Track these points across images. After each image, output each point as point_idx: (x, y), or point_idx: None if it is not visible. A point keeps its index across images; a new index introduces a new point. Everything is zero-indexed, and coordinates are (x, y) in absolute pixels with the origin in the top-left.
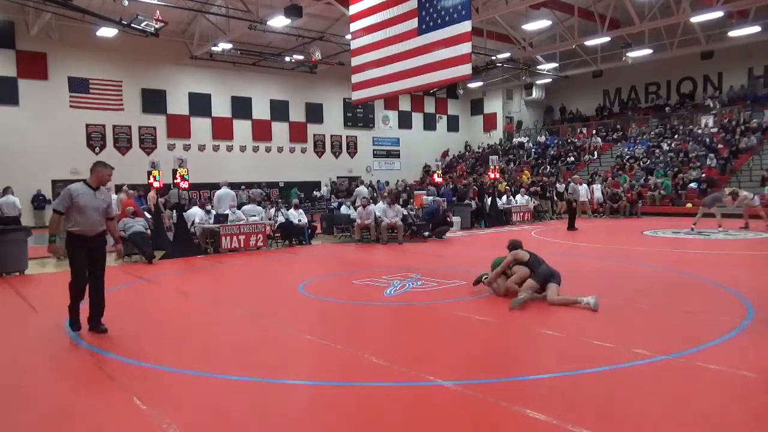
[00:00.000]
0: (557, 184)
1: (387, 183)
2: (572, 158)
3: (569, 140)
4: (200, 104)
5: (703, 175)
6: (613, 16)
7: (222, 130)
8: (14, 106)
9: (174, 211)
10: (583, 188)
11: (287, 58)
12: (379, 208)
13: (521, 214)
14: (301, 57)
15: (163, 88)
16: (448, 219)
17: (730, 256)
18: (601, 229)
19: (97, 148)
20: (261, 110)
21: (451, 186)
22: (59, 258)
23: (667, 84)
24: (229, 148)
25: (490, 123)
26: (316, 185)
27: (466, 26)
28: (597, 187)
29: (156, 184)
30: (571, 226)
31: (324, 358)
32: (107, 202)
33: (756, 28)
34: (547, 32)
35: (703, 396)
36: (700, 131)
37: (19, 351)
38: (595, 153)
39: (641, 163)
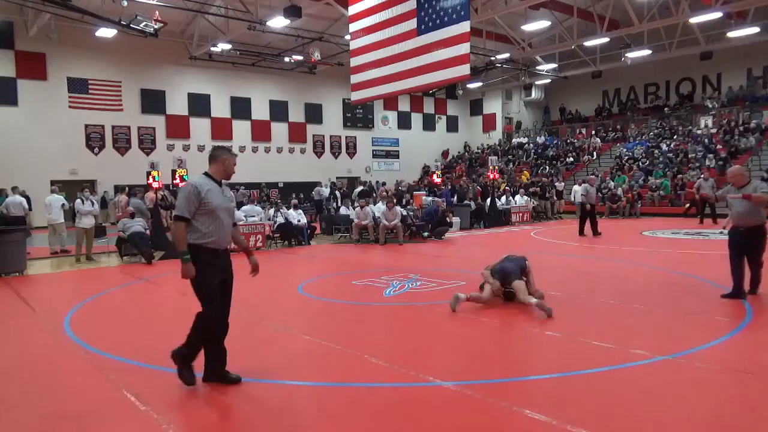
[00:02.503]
0: (556, 184)
1: (384, 184)
2: (571, 159)
3: (568, 141)
4: (199, 105)
5: (702, 175)
6: (612, 17)
7: (221, 130)
8: (13, 107)
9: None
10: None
11: (286, 59)
12: (378, 209)
13: (520, 214)
14: (300, 57)
15: (162, 88)
16: (448, 219)
17: (729, 257)
18: (600, 229)
19: (96, 148)
20: (260, 111)
21: (449, 186)
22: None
23: (666, 84)
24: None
25: (489, 123)
26: (316, 186)
27: (464, 27)
28: None
29: (155, 185)
30: (582, 231)
31: (323, 359)
32: (233, 201)
33: (755, 29)
34: (547, 33)
35: (703, 396)
36: (699, 132)
37: (18, 351)
38: (594, 153)
39: (640, 164)
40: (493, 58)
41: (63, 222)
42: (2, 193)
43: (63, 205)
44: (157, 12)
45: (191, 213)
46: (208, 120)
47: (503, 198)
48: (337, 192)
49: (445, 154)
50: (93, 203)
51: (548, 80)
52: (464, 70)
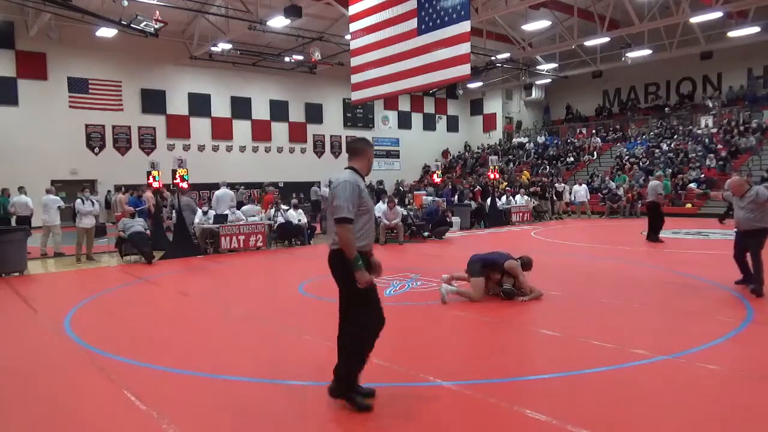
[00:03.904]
0: (556, 184)
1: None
2: (572, 158)
3: (569, 140)
4: (200, 104)
5: (703, 175)
6: (613, 17)
7: (221, 130)
8: (13, 107)
9: (174, 211)
10: (582, 188)
11: (287, 59)
12: (379, 209)
13: (521, 214)
14: (300, 57)
15: (162, 88)
16: (448, 219)
17: (730, 256)
18: (600, 229)
19: (97, 148)
20: (260, 110)
21: (450, 186)
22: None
23: (666, 84)
24: (229, 149)
25: (489, 123)
26: (316, 186)
27: (465, 26)
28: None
29: (155, 185)
30: (653, 235)
31: (323, 359)
32: None
33: (755, 29)
34: (547, 32)
35: (703, 396)
36: (699, 131)
37: (18, 351)
38: (595, 153)
39: (641, 164)
40: (493, 58)
41: (58, 224)
42: (5, 193)
43: (59, 207)
44: (157, 12)
45: (354, 214)
46: (209, 120)
47: (503, 198)
48: None
49: (445, 153)
50: (93, 203)
51: (548, 80)
52: (464, 69)
